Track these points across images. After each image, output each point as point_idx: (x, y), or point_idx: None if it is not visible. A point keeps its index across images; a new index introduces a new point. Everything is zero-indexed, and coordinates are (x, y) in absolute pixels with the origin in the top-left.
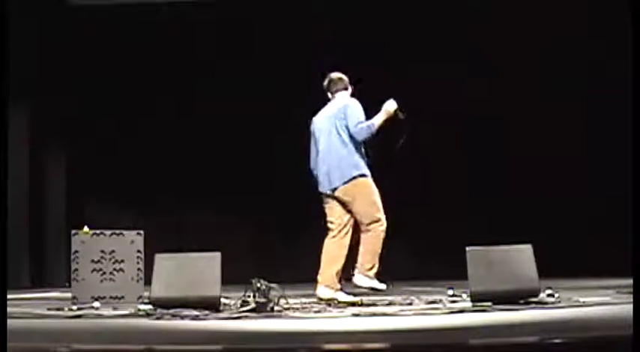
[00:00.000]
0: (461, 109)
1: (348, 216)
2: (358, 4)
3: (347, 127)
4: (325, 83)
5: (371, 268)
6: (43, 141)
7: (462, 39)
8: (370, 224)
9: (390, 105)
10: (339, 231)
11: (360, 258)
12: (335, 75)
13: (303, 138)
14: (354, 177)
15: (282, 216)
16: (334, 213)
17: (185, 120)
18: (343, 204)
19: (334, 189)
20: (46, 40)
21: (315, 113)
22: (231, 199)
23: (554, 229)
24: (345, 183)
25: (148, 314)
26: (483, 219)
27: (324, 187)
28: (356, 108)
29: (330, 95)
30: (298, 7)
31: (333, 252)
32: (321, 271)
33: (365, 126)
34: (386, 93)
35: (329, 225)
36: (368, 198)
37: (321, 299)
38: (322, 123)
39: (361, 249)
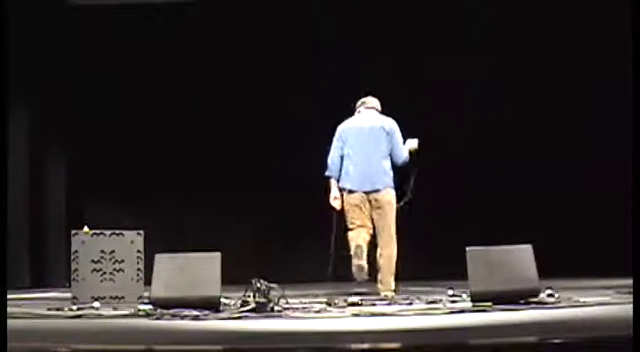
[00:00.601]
0: (460, 109)
1: (369, 221)
2: (358, 4)
3: (391, 146)
4: (364, 99)
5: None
6: (43, 141)
7: (461, 38)
8: (384, 235)
9: (413, 144)
10: (365, 226)
11: (381, 277)
12: (372, 98)
13: (303, 138)
14: (388, 187)
15: (282, 216)
16: (359, 213)
17: (185, 120)
18: (368, 208)
19: (368, 192)
20: (46, 40)
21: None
22: (231, 199)
23: (554, 229)
24: (379, 190)
25: (148, 314)
26: (483, 219)
27: (357, 186)
28: (400, 134)
29: (363, 107)
30: (298, 7)
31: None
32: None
33: (406, 156)
34: (385, 93)
35: (355, 221)
36: (392, 211)
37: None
38: (360, 131)
39: (380, 263)
